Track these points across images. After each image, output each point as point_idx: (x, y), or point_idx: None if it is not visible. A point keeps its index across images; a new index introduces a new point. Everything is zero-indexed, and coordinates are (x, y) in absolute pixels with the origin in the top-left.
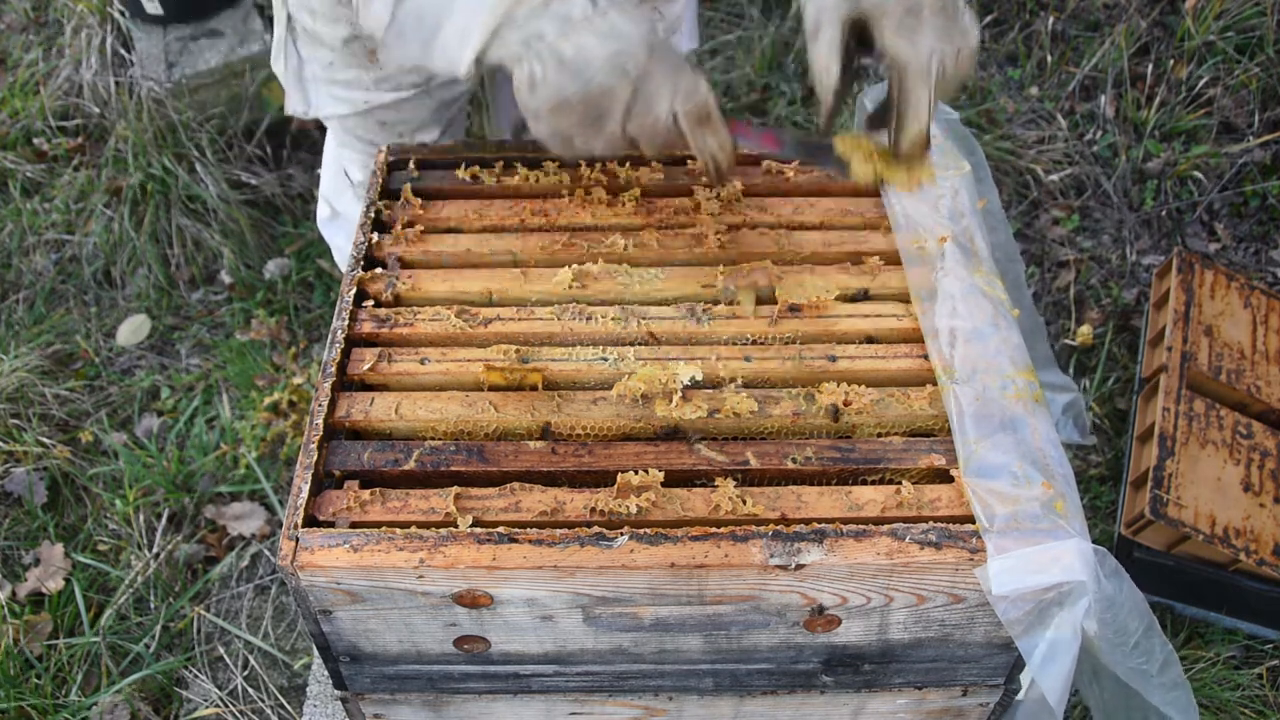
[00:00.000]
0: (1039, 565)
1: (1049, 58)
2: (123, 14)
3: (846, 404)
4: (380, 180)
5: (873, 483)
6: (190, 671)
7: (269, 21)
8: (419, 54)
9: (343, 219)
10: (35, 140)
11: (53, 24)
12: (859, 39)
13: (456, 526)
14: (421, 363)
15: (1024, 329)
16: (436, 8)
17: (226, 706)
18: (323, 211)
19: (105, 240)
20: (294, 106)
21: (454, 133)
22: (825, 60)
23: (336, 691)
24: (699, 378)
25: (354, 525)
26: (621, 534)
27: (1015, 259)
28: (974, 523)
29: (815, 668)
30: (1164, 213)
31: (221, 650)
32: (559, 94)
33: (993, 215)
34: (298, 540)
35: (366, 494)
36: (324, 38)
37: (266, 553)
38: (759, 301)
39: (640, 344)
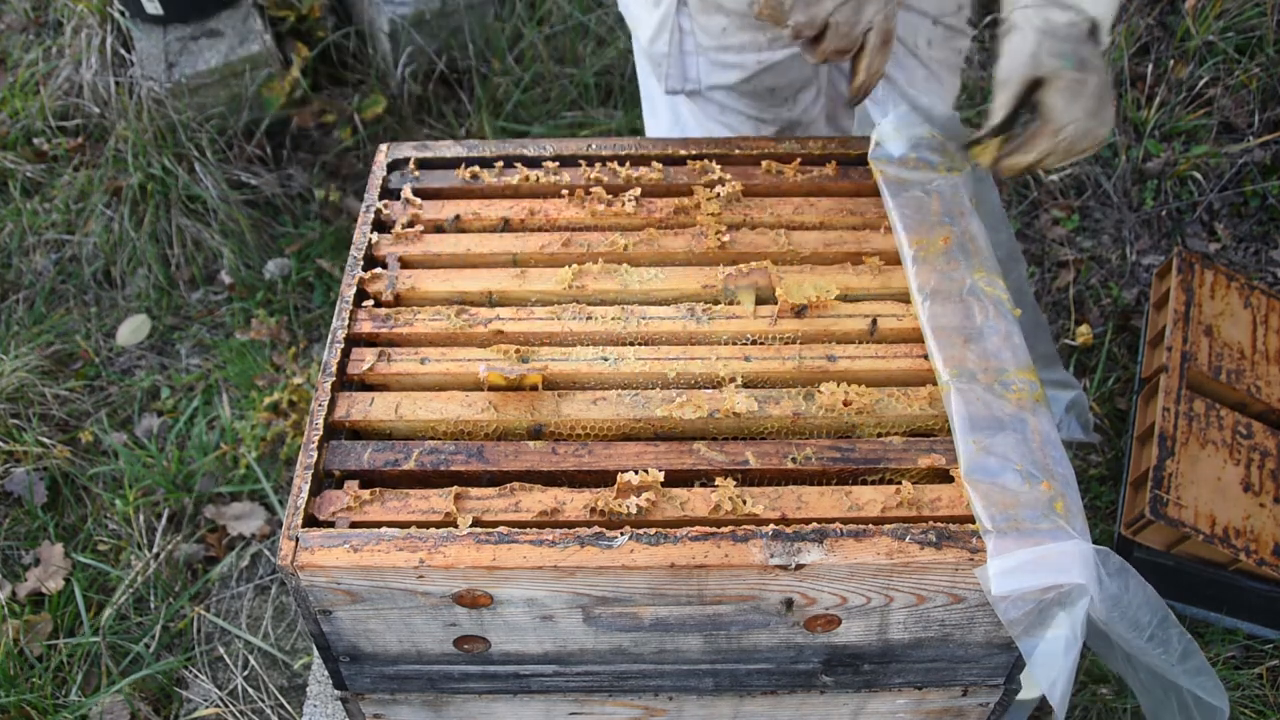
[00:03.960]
0: (1039, 566)
1: None
2: (123, 14)
3: (846, 404)
4: (380, 180)
5: (873, 483)
6: (190, 671)
7: (269, 22)
8: None
9: None
10: (35, 140)
11: (53, 24)
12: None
13: (456, 526)
14: (421, 363)
15: (1026, 327)
16: None
17: (226, 706)
18: None
19: (105, 240)
20: (672, 83)
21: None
22: (1001, 106)
23: (336, 691)
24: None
25: (354, 525)
26: (621, 534)
27: (1017, 258)
28: (974, 523)
29: (815, 668)
30: (1164, 213)
31: (221, 650)
32: None
33: (993, 215)
34: (298, 540)
35: (366, 494)
36: (725, 2)
37: (266, 553)
38: (759, 301)
39: (640, 344)
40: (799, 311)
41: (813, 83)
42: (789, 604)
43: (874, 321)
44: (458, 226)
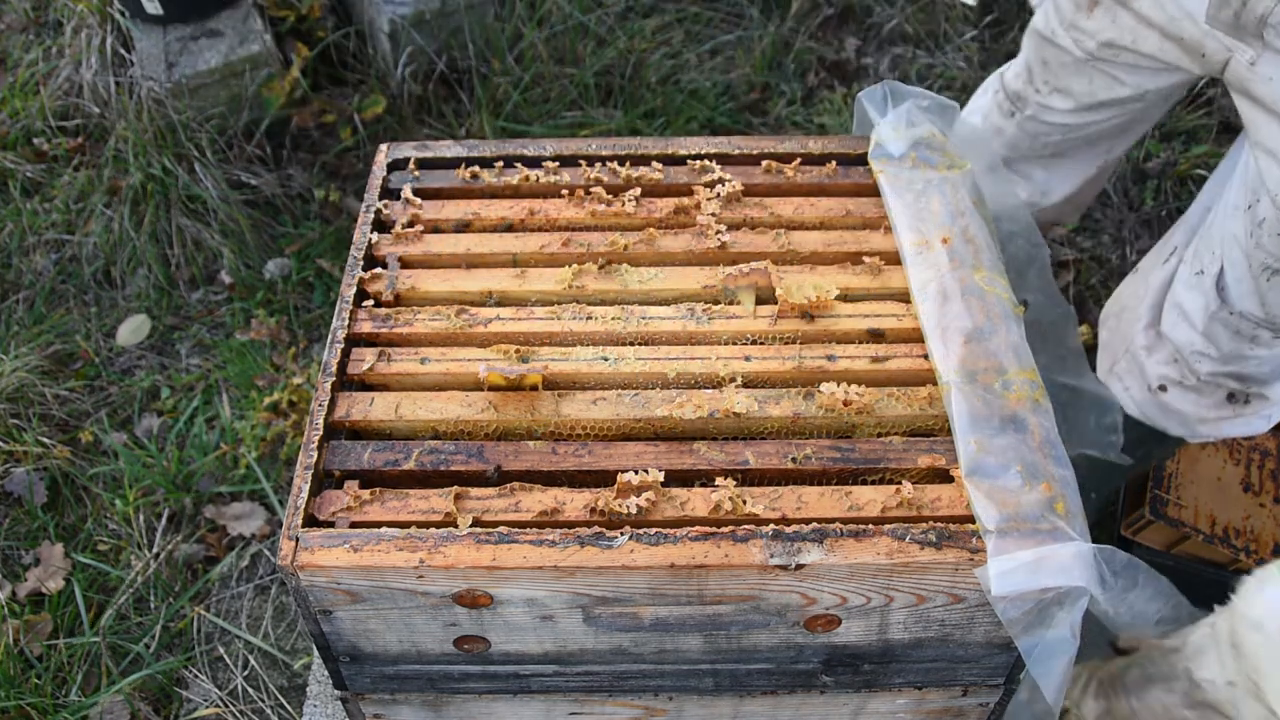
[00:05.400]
0: (1039, 567)
1: None
2: (123, 14)
3: (846, 404)
4: (380, 180)
5: (873, 483)
6: (190, 671)
7: (269, 22)
8: None
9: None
10: (35, 140)
11: (53, 24)
12: None
13: (456, 526)
14: (421, 363)
15: (1056, 320)
16: None
17: (226, 706)
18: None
19: (105, 240)
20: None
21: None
22: None
23: (336, 691)
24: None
25: (354, 525)
26: (621, 534)
27: (1039, 244)
28: (974, 523)
29: (815, 668)
30: (1164, 213)
31: (221, 650)
32: None
33: (1011, 206)
34: (298, 540)
35: (366, 494)
36: None
37: (266, 553)
38: (759, 301)
39: (640, 344)
40: (808, 316)
41: (1054, 154)
42: (773, 609)
43: (874, 321)
44: (464, 228)
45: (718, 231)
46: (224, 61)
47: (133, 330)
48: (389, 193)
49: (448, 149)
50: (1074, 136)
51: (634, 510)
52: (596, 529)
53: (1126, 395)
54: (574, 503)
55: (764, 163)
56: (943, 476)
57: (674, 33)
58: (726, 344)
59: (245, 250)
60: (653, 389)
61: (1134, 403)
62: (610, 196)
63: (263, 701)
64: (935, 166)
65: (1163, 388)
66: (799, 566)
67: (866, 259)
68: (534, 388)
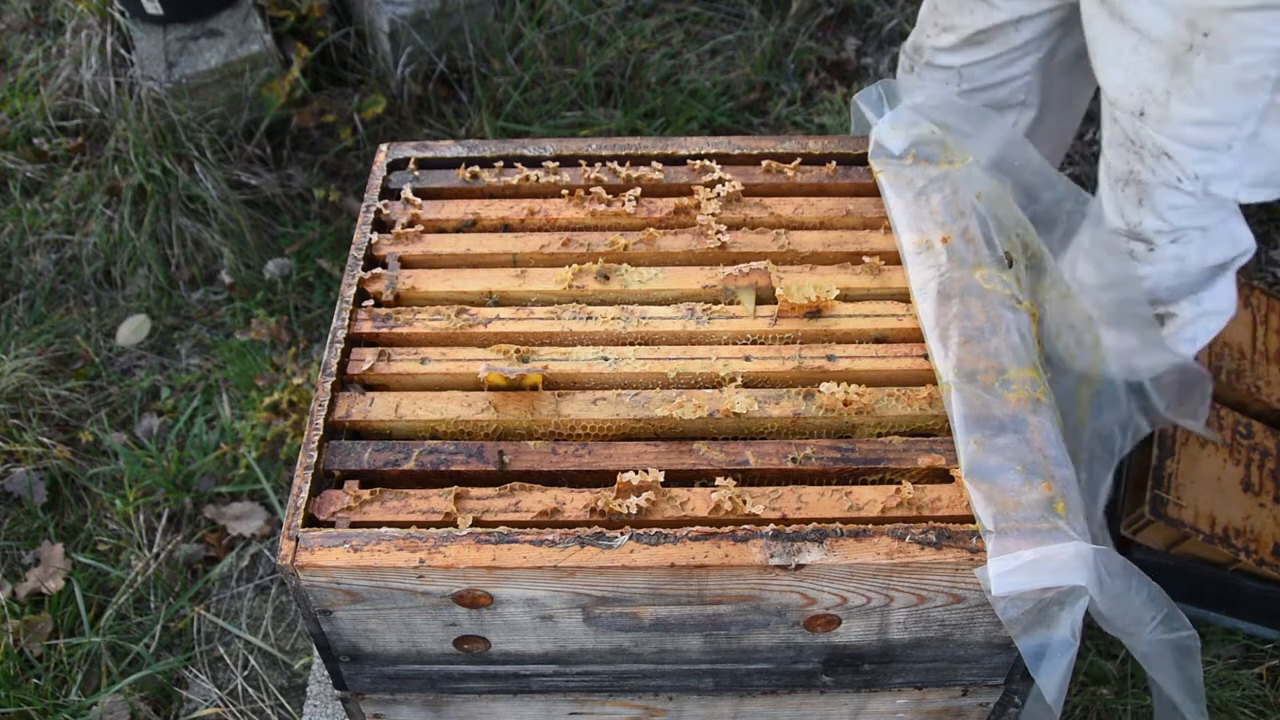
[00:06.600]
0: (1039, 566)
1: None
2: (123, 14)
3: (847, 404)
4: (380, 180)
5: (873, 483)
6: (190, 671)
7: (269, 22)
8: None
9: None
10: (35, 140)
11: (53, 24)
12: None
13: (456, 526)
14: (421, 363)
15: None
16: None
17: (226, 706)
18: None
19: (105, 240)
20: None
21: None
22: None
23: (336, 691)
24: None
25: (354, 525)
26: (621, 534)
27: (1085, 199)
28: (974, 523)
29: (815, 668)
30: None
31: (221, 650)
32: None
33: (1039, 172)
34: (298, 540)
35: (366, 494)
36: None
37: (266, 553)
38: (759, 301)
39: (640, 344)
40: (808, 316)
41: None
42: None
43: (874, 321)
44: (470, 227)
45: (718, 231)
46: (224, 61)
47: (133, 330)
48: (389, 193)
49: (448, 149)
50: (969, 89)
51: (634, 510)
52: (596, 529)
53: (1069, 355)
54: (574, 503)
55: (764, 163)
56: (943, 476)
57: (674, 33)
58: (726, 344)
59: (245, 250)
60: (653, 389)
61: (1078, 359)
62: (610, 196)
63: (263, 701)
64: (936, 162)
65: None
66: (799, 566)
67: (866, 259)
68: (534, 388)
